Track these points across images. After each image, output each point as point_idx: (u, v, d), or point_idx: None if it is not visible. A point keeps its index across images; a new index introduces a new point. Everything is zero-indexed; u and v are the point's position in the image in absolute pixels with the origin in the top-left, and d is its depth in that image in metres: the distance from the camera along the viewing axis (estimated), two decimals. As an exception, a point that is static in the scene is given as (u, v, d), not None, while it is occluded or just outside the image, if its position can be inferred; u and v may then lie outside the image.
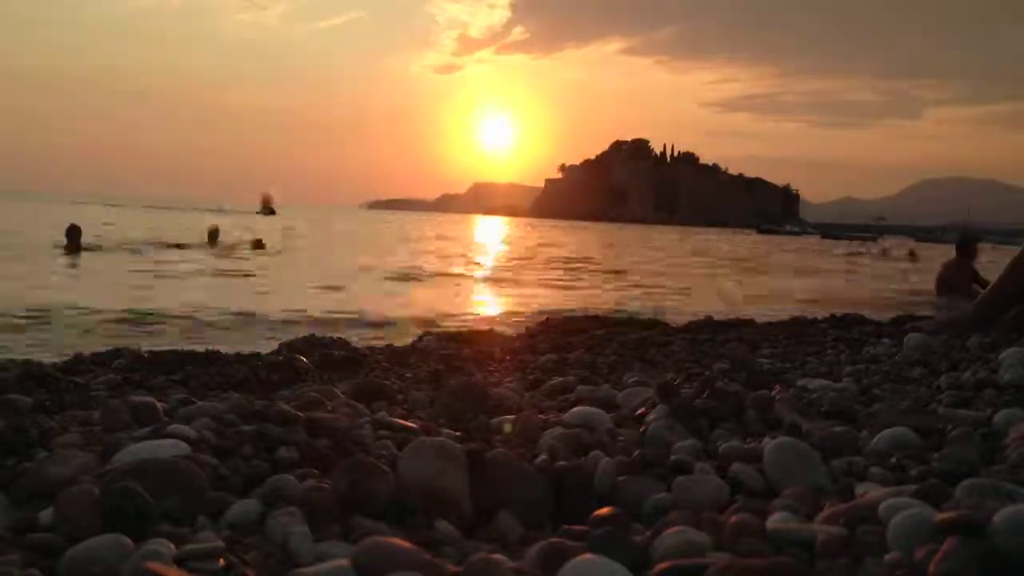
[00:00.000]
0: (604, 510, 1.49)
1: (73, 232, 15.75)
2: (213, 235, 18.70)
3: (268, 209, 18.29)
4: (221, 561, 1.20)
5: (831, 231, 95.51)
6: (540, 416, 2.25)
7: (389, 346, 5.09)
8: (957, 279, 10.88)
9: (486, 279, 15.26)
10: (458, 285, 13.69)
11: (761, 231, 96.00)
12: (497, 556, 1.23)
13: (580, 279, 15.93)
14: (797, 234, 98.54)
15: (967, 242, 11.36)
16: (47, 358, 4.14)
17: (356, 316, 7.96)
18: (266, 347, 4.99)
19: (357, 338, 6.08)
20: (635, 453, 1.84)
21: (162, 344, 5.26)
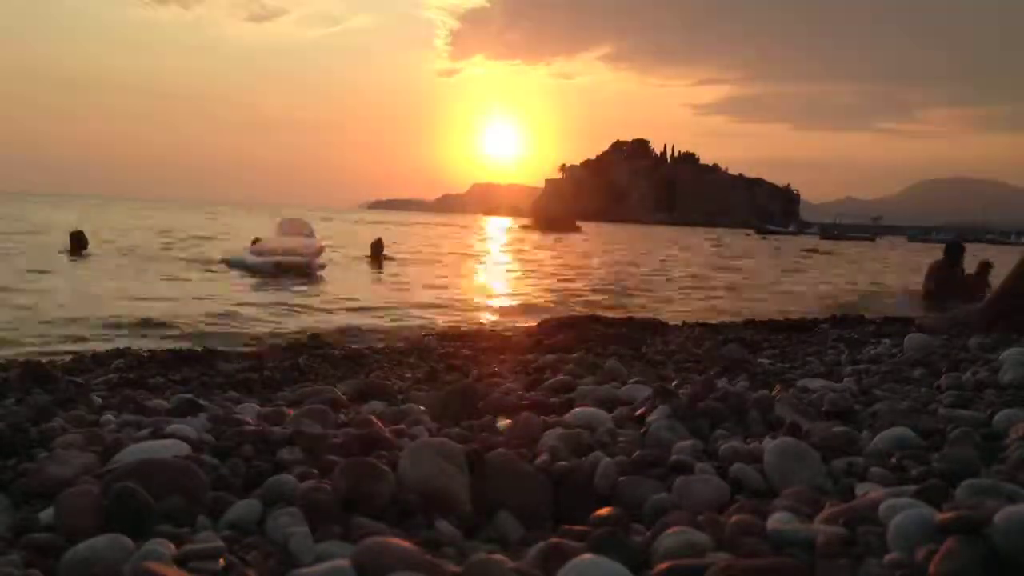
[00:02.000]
0: (604, 510, 1.49)
1: (77, 237, 16.06)
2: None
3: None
4: (221, 561, 1.20)
5: (831, 231, 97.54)
6: (541, 416, 2.25)
7: (389, 346, 5.09)
8: (948, 280, 10.89)
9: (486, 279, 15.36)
10: (457, 284, 13.73)
11: (760, 231, 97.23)
12: (497, 556, 1.23)
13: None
14: (795, 234, 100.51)
15: (955, 245, 11.37)
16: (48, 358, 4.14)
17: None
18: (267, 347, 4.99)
19: (357, 337, 6.09)
20: (635, 453, 1.84)
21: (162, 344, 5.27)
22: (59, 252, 15.97)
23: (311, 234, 14.90)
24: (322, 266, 13.57)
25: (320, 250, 13.88)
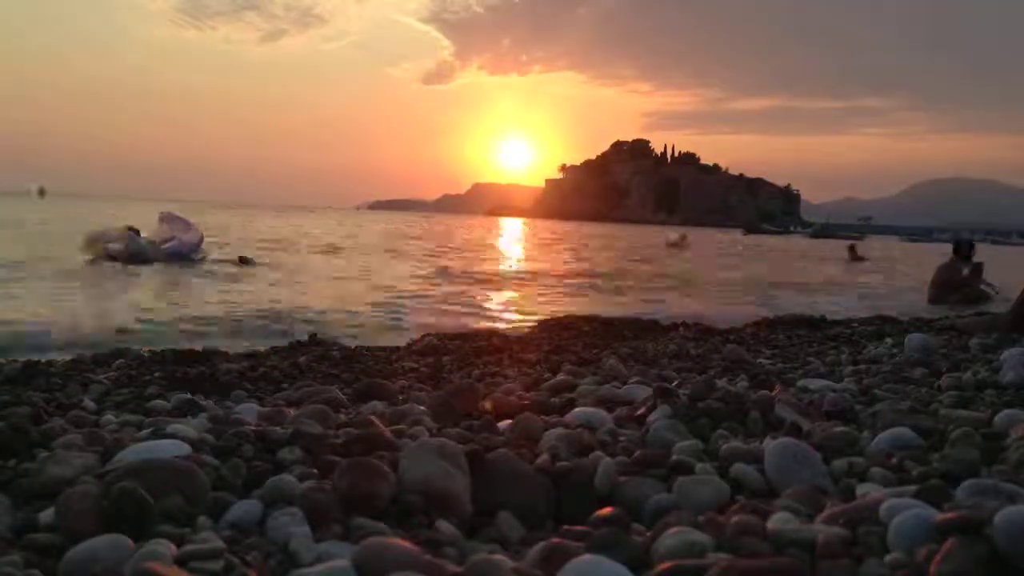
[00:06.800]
0: (605, 510, 1.49)
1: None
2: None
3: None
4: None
5: (823, 230, 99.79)
6: (541, 416, 2.26)
7: (389, 346, 5.09)
8: (953, 279, 10.95)
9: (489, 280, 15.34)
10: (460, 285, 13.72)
11: (752, 231, 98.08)
12: (498, 556, 1.23)
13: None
14: (781, 233, 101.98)
15: (961, 244, 11.42)
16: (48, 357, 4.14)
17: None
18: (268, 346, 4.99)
19: (357, 337, 6.09)
20: (636, 453, 1.84)
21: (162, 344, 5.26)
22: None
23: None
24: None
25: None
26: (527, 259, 20.56)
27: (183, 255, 13.82)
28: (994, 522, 1.10)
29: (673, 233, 39.67)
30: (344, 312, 8.07)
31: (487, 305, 10.09)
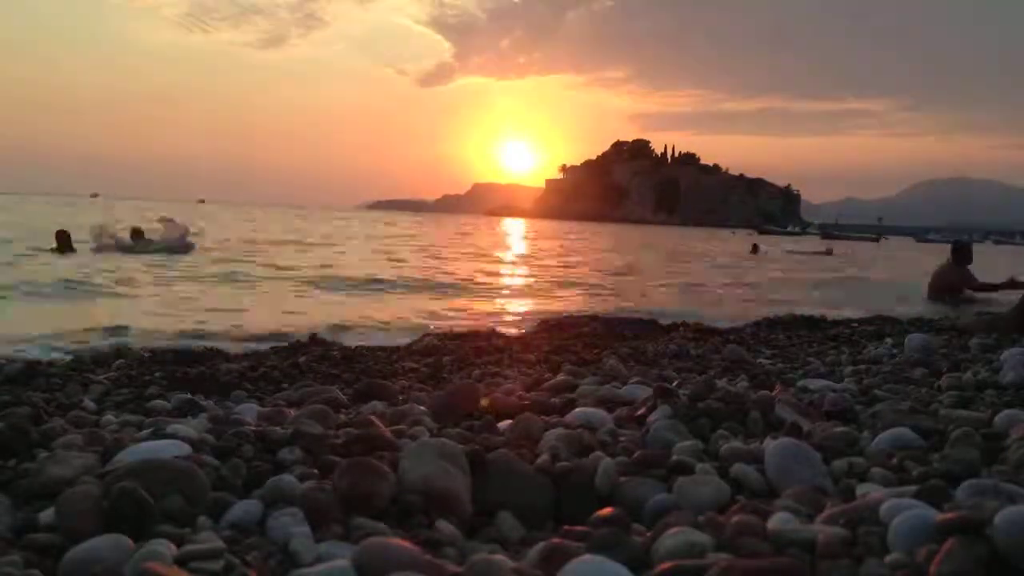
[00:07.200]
0: (605, 510, 1.49)
1: (62, 236, 15.80)
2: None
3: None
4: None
5: (831, 231, 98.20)
6: (541, 416, 2.25)
7: (389, 346, 5.09)
8: (951, 282, 10.95)
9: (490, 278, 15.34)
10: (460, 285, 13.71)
11: (761, 231, 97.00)
12: (498, 556, 1.23)
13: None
14: (797, 234, 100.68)
15: (961, 246, 11.41)
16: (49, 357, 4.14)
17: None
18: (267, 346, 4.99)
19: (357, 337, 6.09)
20: (636, 454, 1.84)
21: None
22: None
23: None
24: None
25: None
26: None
27: (178, 248, 16.23)
28: (994, 522, 1.10)
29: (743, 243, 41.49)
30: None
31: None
